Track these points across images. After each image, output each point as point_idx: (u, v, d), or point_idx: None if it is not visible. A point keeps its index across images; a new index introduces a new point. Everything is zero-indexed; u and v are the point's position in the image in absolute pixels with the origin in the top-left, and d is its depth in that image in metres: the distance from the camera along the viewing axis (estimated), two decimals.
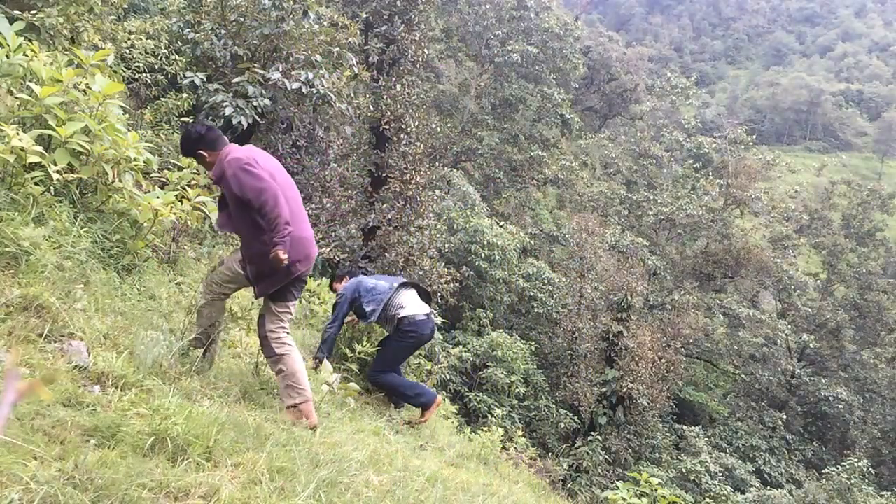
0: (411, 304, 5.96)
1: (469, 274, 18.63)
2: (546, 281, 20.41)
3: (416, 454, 4.82)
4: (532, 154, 27.72)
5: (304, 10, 8.20)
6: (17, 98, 4.17)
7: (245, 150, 3.91)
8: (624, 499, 5.38)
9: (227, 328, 4.45)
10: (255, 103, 7.55)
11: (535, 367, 18.50)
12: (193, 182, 5.25)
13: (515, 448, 8.33)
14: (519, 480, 5.77)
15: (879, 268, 28.29)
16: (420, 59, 15.27)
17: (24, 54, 4.35)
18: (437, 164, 21.09)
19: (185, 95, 7.98)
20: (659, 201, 25.42)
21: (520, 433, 10.47)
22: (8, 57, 4.28)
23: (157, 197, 4.65)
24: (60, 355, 3.00)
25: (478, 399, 15.81)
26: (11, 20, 4.86)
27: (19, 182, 3.83)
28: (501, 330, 18.37)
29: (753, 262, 24.58)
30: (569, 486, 14.06)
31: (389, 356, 5.95)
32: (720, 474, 17.45)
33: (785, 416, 23.21)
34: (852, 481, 16.72)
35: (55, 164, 3.92)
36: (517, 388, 16.64)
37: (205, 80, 7.73)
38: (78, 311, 3.38)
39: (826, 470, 18.39)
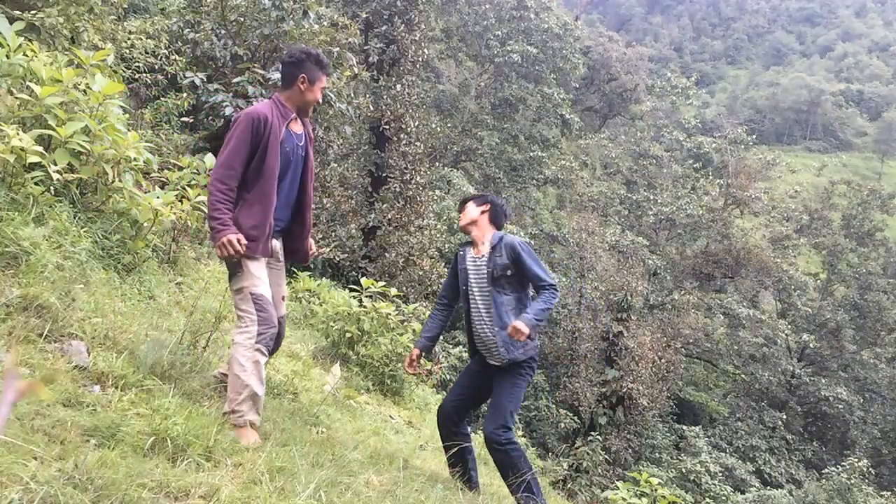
0: None
1: None
2: None
3: (417, 454, 4.82)
4: (532, 154, 27.70)
5: (304, 10, 8.20)
6: (17, 98, 4.16)
7: None
8: (624, 499, 5.38)
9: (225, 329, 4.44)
10: (255, 103, 7.54)
11: None
12: (193, 182, 5.25)
13: None
14: None
15: (879, 268, 28.29)
16: (420, 59, 15.27)
17: (24, 54, 4.35)
18: (437, 164, 21.08)
19: (185, 95, 7.99)
20: (659, 201, 25.42)
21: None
22: (8, 57, 4.28)
23: (157, 197, 4.65)
24: (60, 355, 3.00)
25: None
26: (11, 20, 4.86)
27: (19, 182, 3.83)
28: None
29: (753, 262, 24.58)
30: (569, 486, 14.06)
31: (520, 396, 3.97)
32: (720, 474, 17.46)
33: (785, 416, 23.21)
34: (852, 481, 16.73)
35: (55, 164, 3.92)
36: None
37: (205, 80, 7.74)
38: (78, 311, 3.38)
39: (826, 470, 18.41)
